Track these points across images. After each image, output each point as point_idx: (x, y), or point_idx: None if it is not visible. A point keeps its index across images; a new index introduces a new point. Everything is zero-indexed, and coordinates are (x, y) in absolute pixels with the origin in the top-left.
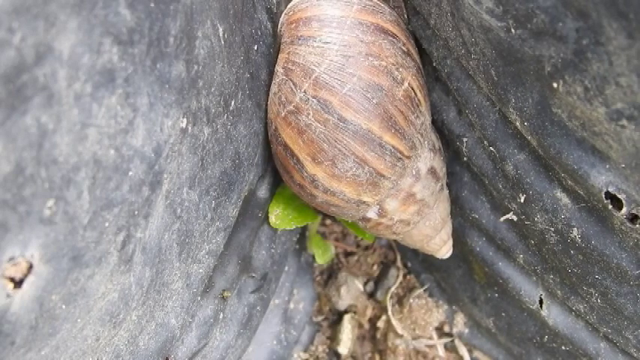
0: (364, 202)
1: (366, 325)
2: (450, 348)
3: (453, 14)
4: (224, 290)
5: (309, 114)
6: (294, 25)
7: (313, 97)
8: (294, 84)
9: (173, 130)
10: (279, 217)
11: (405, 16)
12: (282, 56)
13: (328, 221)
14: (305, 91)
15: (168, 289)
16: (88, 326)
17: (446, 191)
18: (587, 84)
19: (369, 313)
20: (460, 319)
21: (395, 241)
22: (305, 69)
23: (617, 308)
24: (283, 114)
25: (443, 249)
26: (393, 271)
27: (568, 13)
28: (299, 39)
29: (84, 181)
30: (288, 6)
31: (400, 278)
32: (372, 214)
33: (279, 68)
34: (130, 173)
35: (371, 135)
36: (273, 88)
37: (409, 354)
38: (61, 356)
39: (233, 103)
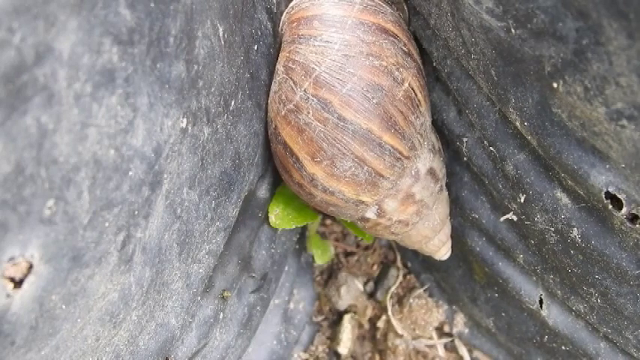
0: (363, 202)
1: (366, 325)
2: (450, 348)
3: (453, 14)
4: (224, 290)
5: (308, 113)
6: (295, 24)
7: (313, 96)
8: (294, 83)
9: (173, 130)
10: (279, 216)
11: (407, 14)
12: (283, 55)
13: (328, 221)
14: (305, 90)
15: (168, 289)
16: (88, 326)
17: (445, 192)
18: (587, 84)
19: (369, 313)
20: (460, 319)
21: (394, 241)
22: (305, 68)
23: (617, 308)
24: (283, 112)
25: (442, 250)
26: (393, 271)
27: (568, 13)
28: (300, 38)
29: (84, 181)
30: (290, 5)
31: (400, 278)
32: (370, 214)
33: (279, 67)
34: (130, 173)
35: (370, 135)
36: (274, 87)
37: (409, 354)
38: (61, 356)
39: (233, 103)
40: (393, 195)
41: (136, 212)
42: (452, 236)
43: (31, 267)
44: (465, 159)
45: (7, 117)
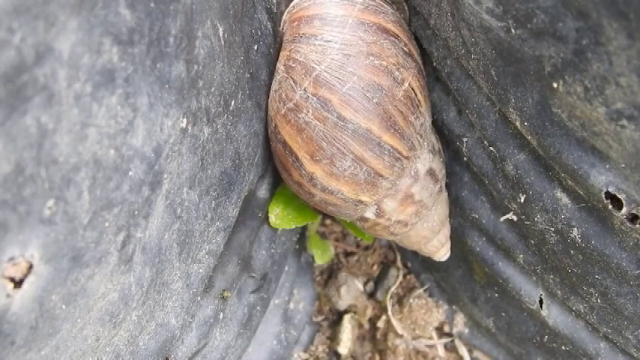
0: (362, 201)
1: (366, 325)
2: (450, 348)
3: (453, 14)
4: (224, 290)
5: (308, 112)
6: (296, 23)
7: (313, 95)
8: (294, 82)
9: (173, 130)
10: (279, 216)
11: (407, 14)
12: (283, 54)
13: (328, 221)
14: (305, 89)
15: (168, 289)
16: (88, 326)
17: (445, 193)
18: (587, 84)
19: (369, 313)
20: (460, 319)
21: (394, 241)
22: (306, 67)
23: (617, 308)
24: (283, 111)
25: (441, 251)
26: (393, 271)
27: (568, 13)
28: (301, 37)
29: (84, 181)
30: (291, 4)
31: (400, 278)
32: (369, 214)
33: (280, 66)
34: (130, 173)
35: (370, 134)
36: (274, 86)
37: (409, 354)
38: (61, 356)
39: (233, 103)
40: (392, 195)
41: (136, 212)
42: (452, 236)
43: (31, 267)
44: (465, 159)
45: (7, 117)
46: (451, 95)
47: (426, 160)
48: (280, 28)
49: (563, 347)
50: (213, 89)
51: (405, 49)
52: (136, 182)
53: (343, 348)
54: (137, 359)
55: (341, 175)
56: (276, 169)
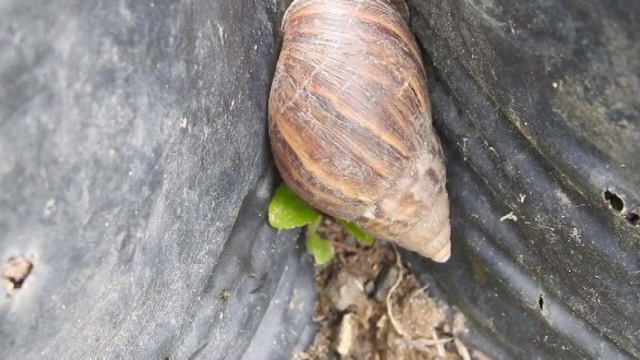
0: (361, 201)
1: (366, 325)
2: (450, 348)
3: (453, 14)
4: (224, 290)
5: (307, 111)
6: (296, 22)
7: (312, 94)
8: (294, 80)
9: (173, 130)
10: (279, 216)
11: (407, 14)
12: (283, 53)
13: (328, 221)
14: (304, 88)
15: (168, 289)
16: (88, 326)
17: (445, 194)
18: (587, 84)
19: (369, 313)
20: (460, 319)
21: (394, 242)
22: (305, 66)
23: (617, 308)
24: (282, 110)
25: (441, 252)
26: (393, 271)
27: (568, 13)
28: (301, 36)
29: (84, 181)
30: (292, 3)
31: (400, 278)
32: (369, 214)
33: (280, 65)
34: (130, 173)
35: (369, 134)
36: (274, 85)
37: (409, 354)
38: (61, 356)
39: (233, 103)
40: (391, 195)
41: (136, 212)
42: (452, 236)
43: (31, 267)
44: (465, 159)
45: (7, 117)
46: (451, 95)
47: (426, 160)
48: (281, 28)
49: (563, 347)
50: (213, 89)
51: (405, 49)
52: (136, 182)
53: (343, 348)
54: (137, 359)
55: (340, 174)
56: (276, 169)
